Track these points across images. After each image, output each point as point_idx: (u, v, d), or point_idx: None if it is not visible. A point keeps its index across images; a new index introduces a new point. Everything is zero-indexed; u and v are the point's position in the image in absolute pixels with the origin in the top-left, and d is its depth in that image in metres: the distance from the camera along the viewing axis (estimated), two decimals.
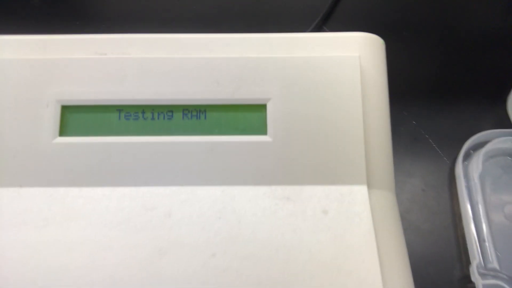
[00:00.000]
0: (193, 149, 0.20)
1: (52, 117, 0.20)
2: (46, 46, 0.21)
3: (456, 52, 0.33)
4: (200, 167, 0.20)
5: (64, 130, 0.21)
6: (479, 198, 0.27)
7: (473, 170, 0.28)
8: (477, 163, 0.28)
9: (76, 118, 0.21)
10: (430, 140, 0.30)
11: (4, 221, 0.19)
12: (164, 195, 0.20)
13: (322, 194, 0.19)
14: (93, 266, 0.18)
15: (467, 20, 0.34)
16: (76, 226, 0.19)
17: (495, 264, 0.25)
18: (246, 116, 0.21)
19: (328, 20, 0.33)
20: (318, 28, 0.33)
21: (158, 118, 0.21)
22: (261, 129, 0.20)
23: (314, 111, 0.20)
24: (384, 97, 0.22)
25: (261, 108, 0.21)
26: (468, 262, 0.26)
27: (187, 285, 0.18)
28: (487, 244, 0.26)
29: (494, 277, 0.25)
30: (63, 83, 0.21)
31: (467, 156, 0.29)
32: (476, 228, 0.27)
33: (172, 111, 0.21)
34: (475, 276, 0.25)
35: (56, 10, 0.34)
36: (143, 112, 0.21)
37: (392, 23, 0.34)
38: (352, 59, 0.21)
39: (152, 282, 0.18)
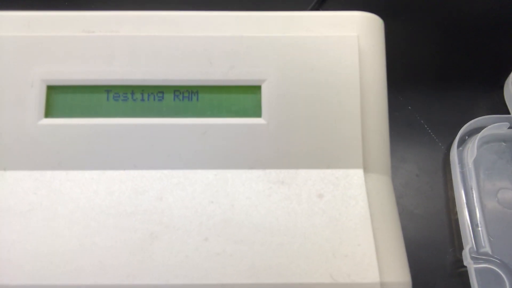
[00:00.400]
0: (185, 132, 0.20)
1: (37, 98, 0.20)
2: (30, 23, 0.20)
3: (453, 38, 0.32)
4: (192, 150, 0.19)
5: (50, 111, 0.20)
6: (473, 183, 0.27)
7: (467, 156, 0.28)
8: (471, 148, 0.27)
9: (63, 98, 0.20)
10: (425, 126, 0.30)
11: None
12: (155, 179, 0.19)
13: (318, 177, 0.19)
14: (82, 251, 0.18)
15: (464, 5, 0.33)
16: (64, 210, 0.18)
17: (487, 249, 0.25)
18: (240, 98, 0.20)
19: (326, 0, 0.33)
20: (316, 9, 0.32)
21: (148, 99, 0.20)
22: (256, 111, 0.20)
23: (310, 92, 0.20)
24: (382, 78, 0.21)
25: (255, 89, 0.20)
26: (460, 247, 0.27)
27: (179, 269, 0.17)
28: (480, 229, 0.26)
29: (487, 261, 0.25)
30: (49, 62, 0.20)
31: (462, 142, 0.29)
32: (470, 213, 0.27)
33: (162, 92, 0.20)
34: (467, 260, 0.25)
35: None
36: (133, 93, 0.20)
37: (391, 5, 0.33)
38: (350, 39, 0.20)
39: (143, 266, 0.17)
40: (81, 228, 0.18)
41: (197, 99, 0.20)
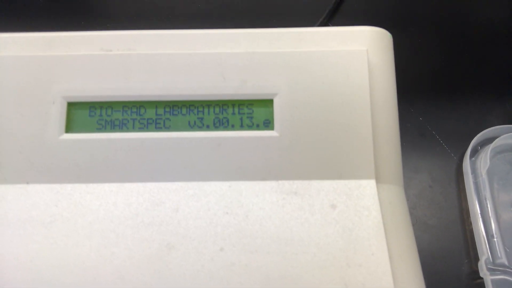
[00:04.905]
0: (200, 145, 0.20)
1: (58, 114, 0.20)
2: (51, 43, 0.21)
3: (463, 47, 0.32)
4: (207, 162, 0.20)
5: (70, 126, 0.21)
6: (487, 193, 0.27)
7: (481, 166, 0.28)
8: (485, 158, 0.27)
9: (82, 114, 0.21)
10: (437, 136, 0.30)
11: (12, 218, 0.19)
12: (172, 191, 0.20)
13: (330, 188, 0.19)
14: (101, 261, 0.18)
15: (473, 15, 0.34)
16: (84, 222, 0.19)
17: (504, 260, 0.25)
18: (253, 111, 0.21)
19: (334, 15, 0.33)
20: (325, 24, 0.33)
21: (164, 114, 0.21)
22: (268, 124, 0.20)
23: (321, 105, 0.20)
24: (392, 91, 0.21)
25: (268, 103, 0.21)
26: (476, 258, 0.26)
27: (195, 279, 0.18)
28: (495, 239, 0.26)
29: (503, 272, 0.25)
30: (69, 80, 0.21)
31: (475, 152, 0.29)
32: (484, 224, 0.26)
33: (178, 107, 0.21)
34: (483, 272, 0.25)
35: (62, 9, 0.34)
36: (149, 108, 0.21)
37: (399, 18, 0.34)
38: (360, 53, 0.20)
39: (160, 276, 0.18)
40: (100, 239, 0.18)
41: (212, 113, 0.21)
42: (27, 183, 0.20)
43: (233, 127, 0.20)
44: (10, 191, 0.20)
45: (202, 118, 0.21)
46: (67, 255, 0.18)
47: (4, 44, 0.21)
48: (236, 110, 0.21)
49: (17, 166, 0.20)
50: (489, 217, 0.26)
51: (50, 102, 0.21)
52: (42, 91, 0.21)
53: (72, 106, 0.21)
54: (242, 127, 0.20)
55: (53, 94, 0.21)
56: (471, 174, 0.28)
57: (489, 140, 0.28)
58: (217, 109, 0.21)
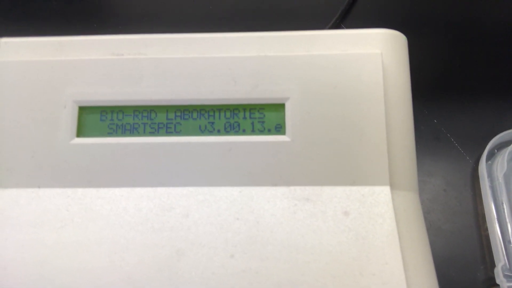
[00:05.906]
0: (210, 150, 0.20)
1: (70, 118, 0.21)
2: (63, 48, 0.21)
3: (478, 48, 0.32)
4: (218, 167, 0.20)
5: (81, 131, 0.21)
6: (504, 198, 0.26)
7: (497, 170, 0.27)
8: (501, 162, 0.27)
9: (93, 119, 0.21)
10: (452, 139, 0.30)
11: (23, 222, 0.19)
12: (182, 196, 0.19)
13: (343, 195, 0.19)
14: (111, 266, 0.18)
15: (488, 15, 0.33)
16: (94, 226, 0.19)
17: None
18: (264, 116, 0.20)
19: (346, 17, 0.33)
20: (337, 26, 0.32)
21: (175, 118, 0.21)
22: (280, 129, 0.20)
23: (334, 109, 0.20)
24: (407, 95, 0.21)
25: (279, 107, 0.20)
26: (492, 264, 0.26)
27: (205, 286, 0.17)
28: None
29: None
30: (80, 84, 0.21)
31: (491, 155, 0.28)
32: (501, 229, 0.26)
33: (189, 111, 0.21)
34: (500, 279, 0.25)
35: (74, 12, 0.34)
36: (160, 113, 0.21)
37: (412, 19, 0.33)
38: (374, 56, 0.20)
39: (170, 283, 0.18)
40: (110, 244, 0.18)
41: (223, 118, 0.20)
42: (39, 187, 0.20)
43: (244, 132, 0.20)
44: (21, 195, 0.20)
45: (213, 123, 0.20)
46: (77, 260, 0.18)
47: (16, 48, 0.21)
48: (248, 114, 0.20)
49: (28, 170, 0.20)
50: (506, 222, 0.26)
51: (61, 107, 0.21)
52: (54, 96, 0.21)
53: (84, 111, 0.21)
54: (253, 131, 0.20)
55: (64, 99, 0.21)
56: (487, 178, 0.27)
57: (506, 143, 0.28)
58: (228, 114, 0.20)
